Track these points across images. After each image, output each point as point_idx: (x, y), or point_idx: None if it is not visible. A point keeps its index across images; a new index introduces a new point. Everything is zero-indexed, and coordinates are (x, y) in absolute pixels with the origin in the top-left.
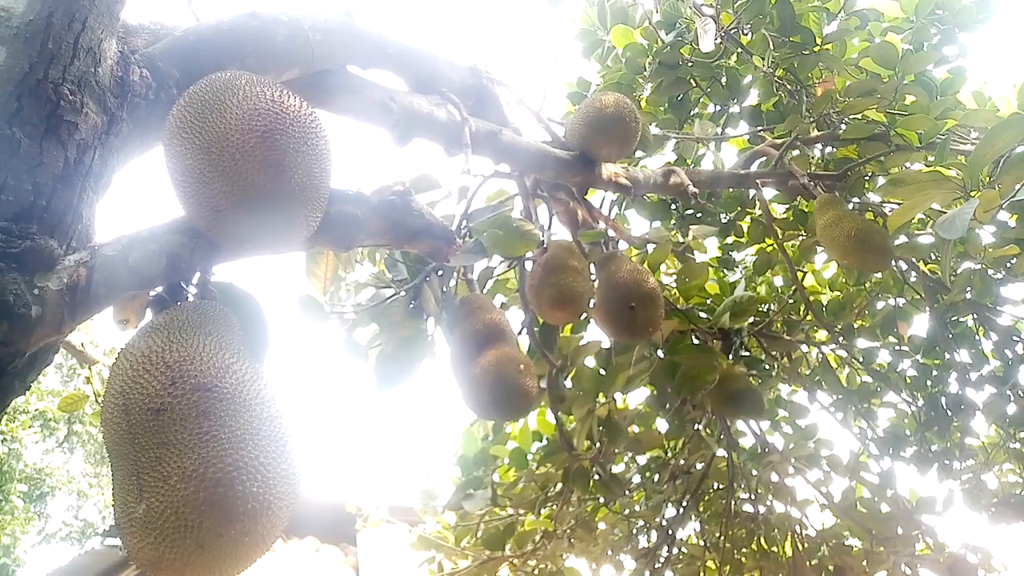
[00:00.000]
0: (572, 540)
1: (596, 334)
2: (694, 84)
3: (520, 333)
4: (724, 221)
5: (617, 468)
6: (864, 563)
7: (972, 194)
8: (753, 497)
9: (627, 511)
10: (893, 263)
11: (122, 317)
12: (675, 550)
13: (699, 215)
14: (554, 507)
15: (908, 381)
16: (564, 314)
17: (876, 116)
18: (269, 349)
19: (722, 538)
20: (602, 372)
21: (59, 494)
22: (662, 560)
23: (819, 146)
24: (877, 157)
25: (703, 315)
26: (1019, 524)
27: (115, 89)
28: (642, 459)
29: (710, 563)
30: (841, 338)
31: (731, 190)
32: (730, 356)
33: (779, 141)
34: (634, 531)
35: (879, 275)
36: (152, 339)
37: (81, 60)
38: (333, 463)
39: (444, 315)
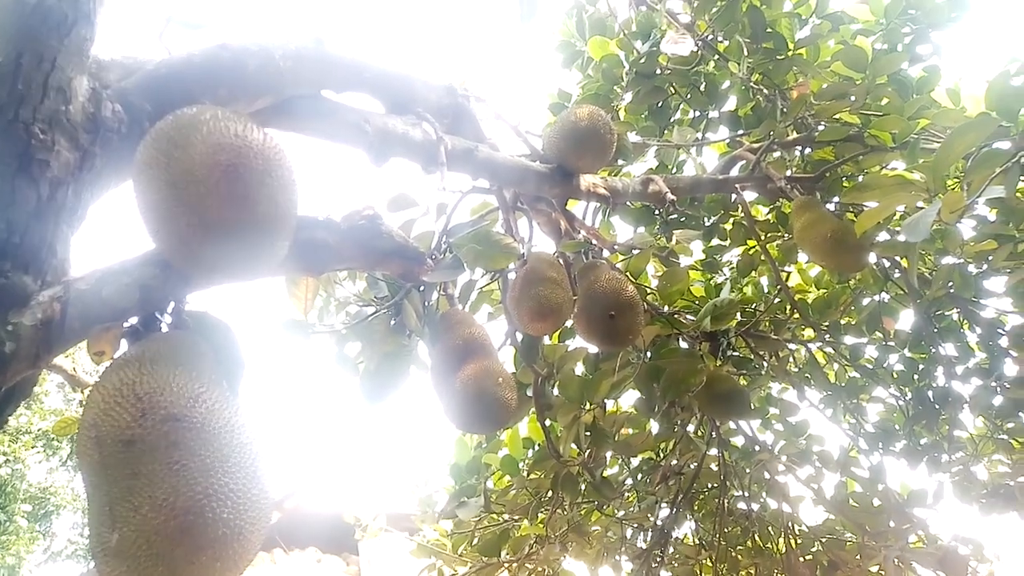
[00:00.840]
0: (566, 544)
1: (583, 341)
2: (672, 91)
3: (506, 343)
4: (707, 224)
5: (611, 471)
6: (858, 557)
7: (937, 197)
8: (746, 495)
9: (621, 513)
10: (875, 261)
11: (97, 349)
12: (671, 550)
13: (683, 219)
14: (547, 512)
15: (895, 376)
16: (544, 325)
17: (850, 118)
18: (244, 376)
19: (717, 536)
20: (588, 378)
21: (65, 512)
22: (658, 560)
23: (796, 149)
24: (853, 158)
25: (689, 318)
26: (1010, 514)
27: (87, 125)
28: (634, 461)
29: (706, 561)
30: (828, 335)
31: (713, 194)
32: (718, 357)
33: (757, 145)
34: (629, 533)
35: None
36: (124, 371)
37: (51, 99)
38: (332, 475)
39: (426, 330)
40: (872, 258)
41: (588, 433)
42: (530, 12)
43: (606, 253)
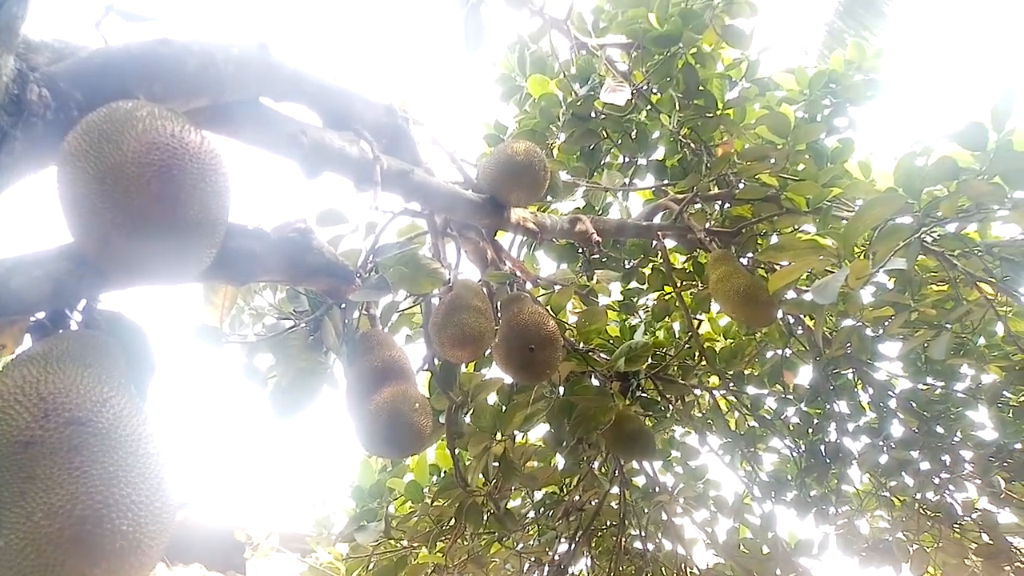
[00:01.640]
0: (463, 575)
1: (499, 371)
2: (605, 135)
3: (423, 368)
4: (627, 267)
5: (514, 503)
6: None
7: (845, 263)
8: (643, 535)
9: (520, 546)
10: (781, 317)
11: (0, 343)
12: None
13: (604, 260)
14: (447, 541)
15: (792, 428)
16: (464, 353)
17: (769, 180)
18: (153, 382)
19: (611, 575)
20: (502, 409)
21: None
22: None
23: (717, 203)
24: (769, 217)
25: (603, 356)
26: (886, 568)
27: (9, 107)
28: (537, 495)
29: None
30: (732, 384)
31: (635, 239)
32: (627, 397)
33: (680, 196)
34: (526, 567)
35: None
36: (28, 368)
37: None
38: (224, 488)
39: (344, 348)
40: (778, 314)
41: (497, 464)
42: (476, 43)
43: (529, 286)
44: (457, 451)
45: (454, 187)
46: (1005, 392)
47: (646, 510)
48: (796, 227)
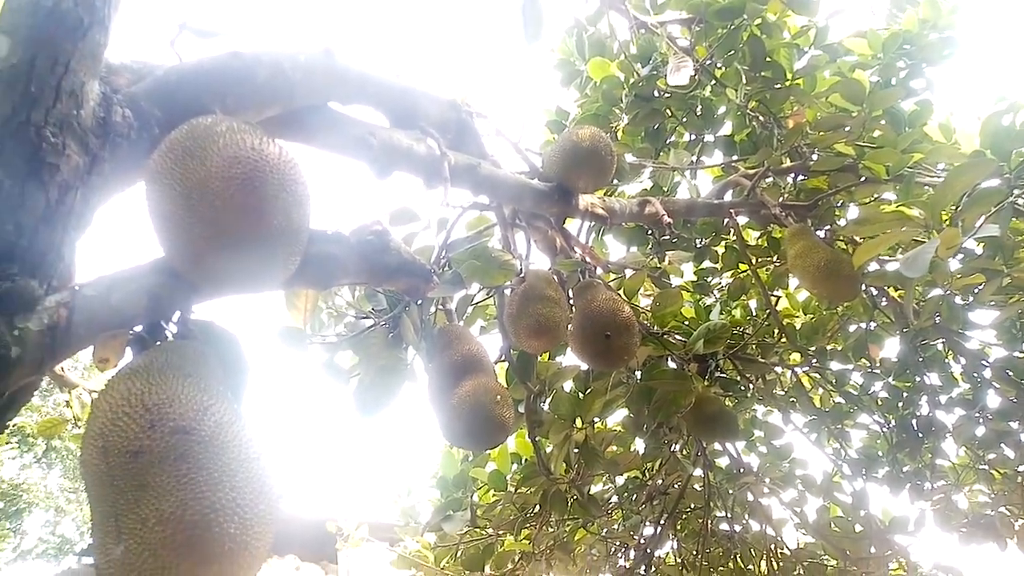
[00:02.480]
0: (551, 561)
1: (574, 358)
2: (669, 114)
3: (500, 359)
4: (699, 247)
5: (596, 489)
6: None
7: (933, 233)
8: (729, 516)
9: (605, 531)
10: (863, 289)
11: (102, 356)
12: (652, 569)
13: (675, 241)
14: (533, 528)
15: (880, 403)
16: (541, 343)
17: (845, 149)
18: (248, 387)
19: (699, 557)
20: (580, 396)
21: (36, 510)
22: None
23: (790, 176)
24: (846, 188)
25: (679, 339)
26: (989, 544)
27: (97, 130)
28: (620, 479)
29: None
30: (814, 360)
31: (706, 218)
32: (706, 379)
33: (752, 171)
34: (612, 551)
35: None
36: (132, 381)
37: (63, 103)
38: (315, 482)
39: (423, 344)
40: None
41: (578, 451)
42: (535, 33)
43: (599, 272)
44: (537, 439)
45: (521, 177)
46: None
47: (731, 491)
48: (876, 196)
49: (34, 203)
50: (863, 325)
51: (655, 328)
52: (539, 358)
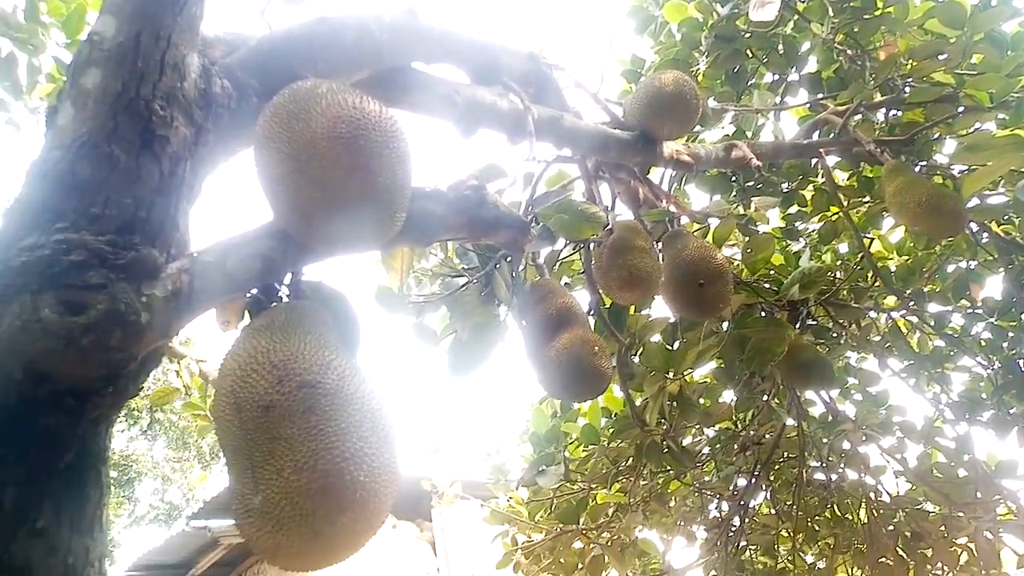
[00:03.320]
0: (646, 512)
1: (661, 310)
2: (750, 55)
3: (588, 313)
4: (786, 191)
5: (687, 440)
6: (942, 528)
7: None
8: (824, 465)
9: (698, 483)
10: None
11: (224, 319)
12: (746, 520)
13: (759, 187)
14: (626, 481)
15: (983, 344)
16: (634, 295)
17: (943, 78)
18: (360, 344)
19: (794, 507)
20: (670, 348)
21: (145, 479)
22: (734, 530)
23: (883, 111)
24: (945, 119)
25: (768, 287)
26: None
27: (199, 101)
28: (712, 431)
29: (783, 531)
30: (911, 303)
31: (792, 160)
32: (797, 326)
33: (842, 108)
34: (706, 502)
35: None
36: (256, 340)
37: (168, 76)
38: (408, 441)
39: (515, 300)
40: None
41: (672, 402)
42: None
43: (684, 221)
44: (629, 392)
45: (603, 128)
46: None
47: (825, 440)
48: (977, 126)
49: (149, 176)
50: (963, 264)
51: (746, 276)
52: (629, 311)
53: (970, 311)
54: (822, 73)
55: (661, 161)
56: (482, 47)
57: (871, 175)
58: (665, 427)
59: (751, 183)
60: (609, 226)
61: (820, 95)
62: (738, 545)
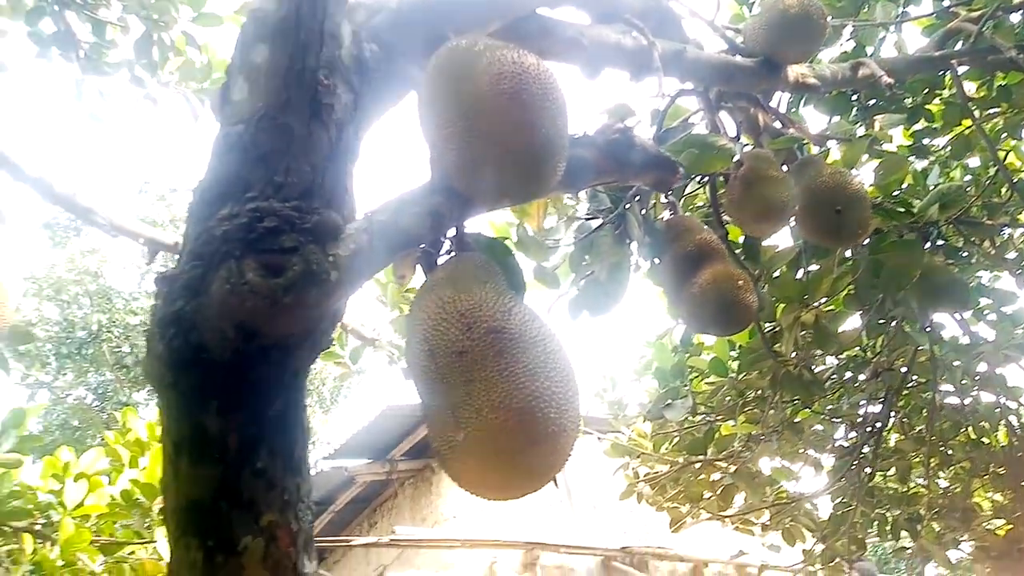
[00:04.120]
0: (779, 442)
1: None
2: None
3: None
4: (910, 106)
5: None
6: None
7: None
8: (958, 389)
9: (829, 409)
10: None
11: (400, 273)
12: (877, 447)
13: (882, 104)
14: (751, 412)
15: None
16: (769, 226)
17: None
18: (523, 289)
19: (927, 432)
20: (799, 278)
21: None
22: (864, 456)
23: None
24: None
25: (898, 209)
26: None
27: (355, 67)
28: (833, 358)
29: (915, 457)
30: None
31: (917, 75)
32: (927, 246)
33: (976, 14)
34: (833, 430)
35: None
36: (441, 292)
37: (327, 45)
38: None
39: (647, 239)
40: None
41: (805, 332)
42: None
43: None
44: (760, 323)
45: (725, 56)
46: None
47: (956, 363)
48: None
49: (320, 143)
50: None
51: (878, 199)
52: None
53: None
54: None
55: (786, 86)
56: None
57: (1007, 83)
58: (798, 356)
59: (873, 101)
60: (738, 157)
61: (950, 3)
62: (869, 472)
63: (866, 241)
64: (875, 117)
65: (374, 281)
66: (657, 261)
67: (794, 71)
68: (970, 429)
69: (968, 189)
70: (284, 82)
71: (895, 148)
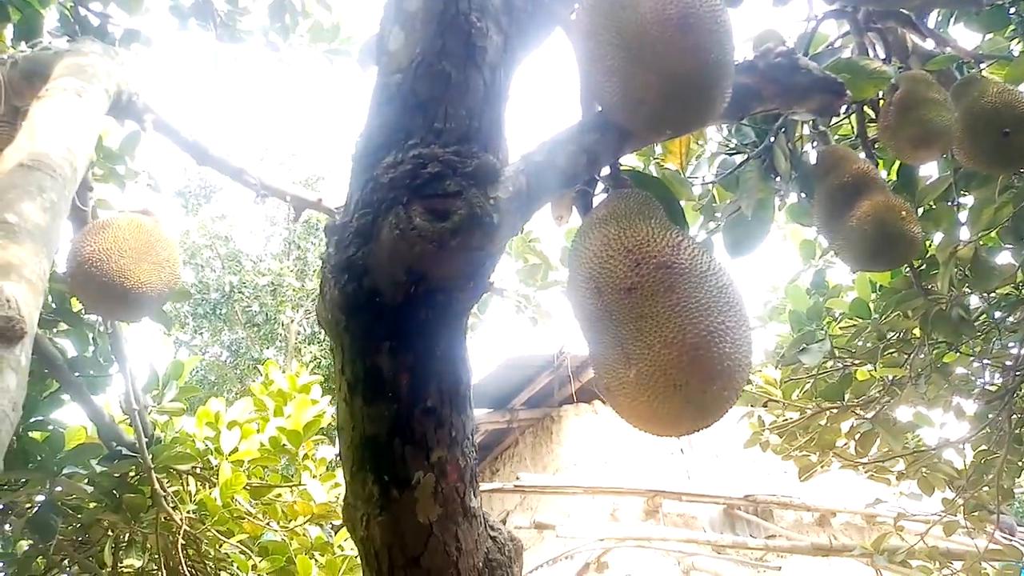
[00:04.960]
0: (927, 386)
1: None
2: None
3: None
4: None
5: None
6: None
7: None
8: None
9: (977, 350)
10: None
11: (557, 213)
12: None
13: None
14: (891, 355)
15: None
16: (930, 152)
17: None
18: (685, 224)
19: None
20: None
21: None
22: (1014, 402)
23: None
24: None
25: None
26: None
27: (503, 8)
28: (977, 298)
29: None
30: None
31: None
32: None
33: None
34: (982, 373)
35: None
36: (605, 229)
37: None
38: None
39: (794, 173)
40: None
41: (960, 268)
42: None
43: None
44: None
45: None
46: None
47: None
48: None
49: (475, 87)
50: None
51: None
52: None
53: None
54: None
55: (944, 2)
56: None
57: None
58: (951, 294)
59: None
60: (892, 80)
61: None
62: (1018, 418)
63: None
64: None
65: None
66: (804, 195)
67: None
68: None
69: None
70: (439, 28)
71: None
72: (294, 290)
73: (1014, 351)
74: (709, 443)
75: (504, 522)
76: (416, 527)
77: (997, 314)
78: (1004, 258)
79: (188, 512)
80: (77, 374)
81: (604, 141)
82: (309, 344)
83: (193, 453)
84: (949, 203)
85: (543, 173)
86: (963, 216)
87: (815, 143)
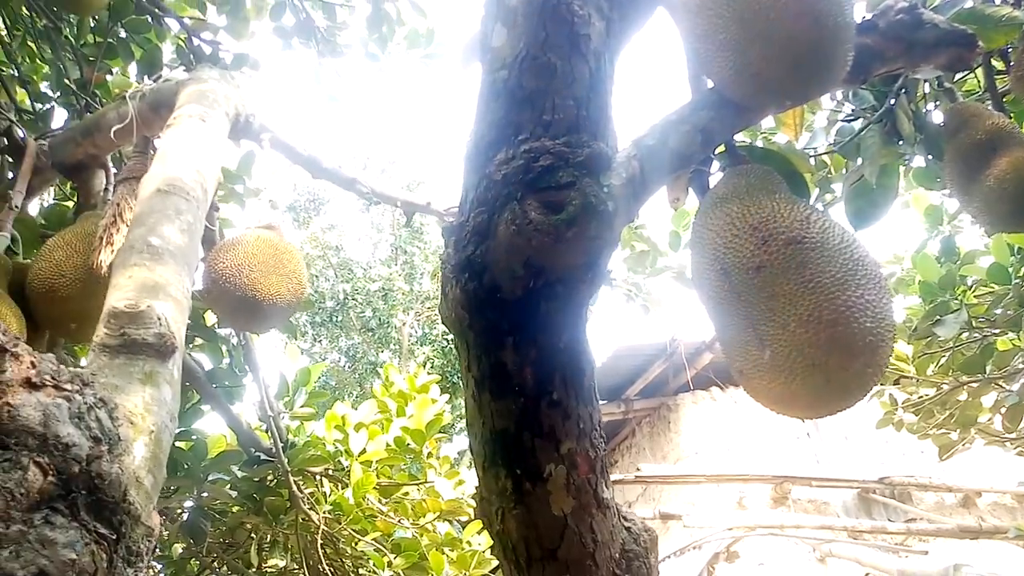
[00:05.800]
0: None
1: None
2: None
3: None
4: None
5: None
6: None
7: None
8: None
9: None
10: None
11: (673, 196)
12: None
13: None
14: None
15: None
16: None
17: None
18: (809, 196)
19: None
20: None
21: None
22: None
23: None
24: None
25: None
26: None
27: None
28: None
29: None
30: None
31: None
32: None
33: None
34: None
35: None
36: (726, 208)
37: None
38: None
39: (919, 136)
40: None
41: None
42: None
43: None
44: None
45: None
46: None
47: None
48: None
49: (581, 76)
50: None
51: None
52: None
53: None
54: None
55: None
56: None
57: None
58: None
59: None
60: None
61: None
62: None
63: None
64: None
65: None
66: (931, 158)
67: None
68: None
69: None
70: (541, 20)
71: None
72: (403, 293)
73: None
74: (838, 425)
75: None
76: (551, 520)
77: None
78: None
79: (324, 512)
80: (215, 385)
81: (719, 118)
82: (421, 345)
83: (325, 455)
84: None
85: (656, 156)
86: None
87: (939, 102)
